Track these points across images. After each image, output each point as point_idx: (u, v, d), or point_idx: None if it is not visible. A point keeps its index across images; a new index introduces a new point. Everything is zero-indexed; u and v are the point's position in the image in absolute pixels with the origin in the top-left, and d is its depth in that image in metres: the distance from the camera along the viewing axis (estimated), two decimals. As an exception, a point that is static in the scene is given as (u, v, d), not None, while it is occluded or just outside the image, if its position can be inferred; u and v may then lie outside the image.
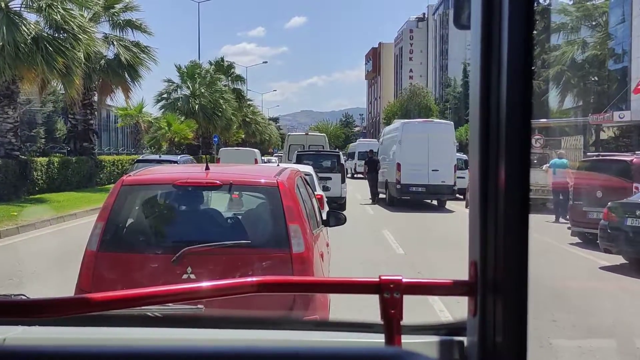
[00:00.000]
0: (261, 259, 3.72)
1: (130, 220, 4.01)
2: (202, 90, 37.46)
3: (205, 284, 1.16)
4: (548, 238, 11.50)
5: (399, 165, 17.70)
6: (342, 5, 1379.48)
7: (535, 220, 15.01)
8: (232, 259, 3.71)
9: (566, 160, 15.38)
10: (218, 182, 3.99)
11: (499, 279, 1.02)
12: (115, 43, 20.15)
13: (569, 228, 11.22)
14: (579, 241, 11.01)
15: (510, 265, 1.01)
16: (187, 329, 1.53)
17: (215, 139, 36.81)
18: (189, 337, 1.45)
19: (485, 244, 1.04)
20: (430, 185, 17.45)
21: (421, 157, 17.31)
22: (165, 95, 38.26)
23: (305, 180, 5.45)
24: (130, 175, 4.25)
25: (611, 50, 38.73)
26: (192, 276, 3.54)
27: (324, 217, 5.51)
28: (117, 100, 22.04)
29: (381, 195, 20.60)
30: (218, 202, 4.95)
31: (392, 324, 1.14)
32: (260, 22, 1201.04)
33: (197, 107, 36.71)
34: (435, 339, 1.41)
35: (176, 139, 33.09)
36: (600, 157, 11.10)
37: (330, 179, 16.12)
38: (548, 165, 18.13)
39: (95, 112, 21.78)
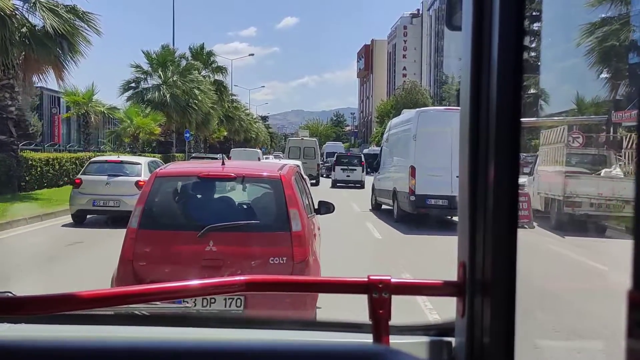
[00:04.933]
0: (267, 235, 4.42)
1: (162, 204, 4.72)
2: (175, 79, 32.66)
3: (193, 282, 1.17)
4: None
5: (413, 169, 13.08)
6: (335, 6, 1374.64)
7: (608, 252, 10.55)
8: (244, 235, 4.42)
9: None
10: (233, 174, 4.79)
11: (488, 280, 1.02)
12: (37, 5, 15.32)
13: None
14: None
15: (499, 267, 1.01)
16: (175, 327, 1.57)
17: (187, 135, 31.95)
18: (176, 336, 1.44)
19: (474, 245, 1.06)
20: (454, 197, 12.76)
21: (443, 158, 12.59)
22: (133, 85, 33.55)
23: (301, 175, 6.42)
24: (162, 169, 5.07)
25: (634, 42, 34.79)
26: (214, 248, 4.26)
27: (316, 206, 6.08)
28: (50, 81, 17.23)
29: (385, 207, 16.15)
30: (232, 190, 5.31)
31: (380, 324, 1.15)
32: (252, 22, 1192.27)
33: (168, 97, 31.92)
34: (423, 339, 1.40)
35: (141, 134, 28.34)
36: None
37: (355, 170, 28.77)
38: (611, 169, 13.71)
39: (19, 97, 16.94)
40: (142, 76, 33.54)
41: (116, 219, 11.42)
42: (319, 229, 5.83)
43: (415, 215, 13.27)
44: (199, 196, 5.01)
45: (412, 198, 12.99)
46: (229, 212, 4.77)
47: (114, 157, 14.10)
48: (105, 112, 24.14)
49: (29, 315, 1.27)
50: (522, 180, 16.84)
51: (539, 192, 14.67)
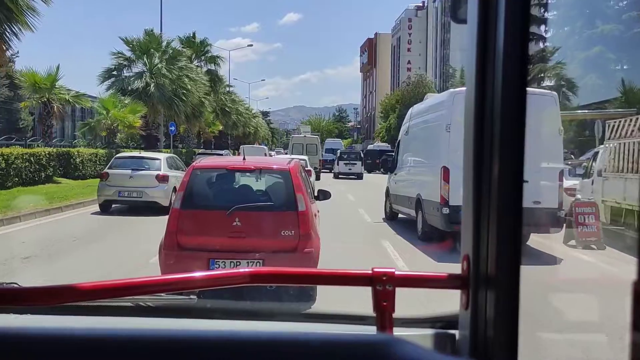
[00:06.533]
0: (279, 214, 5.81)
1: (198, 190, 6.09)
2: (160, 67, 29.31)
3: (198, 274, 1.20)
4: None
5: (446, 171, 9.74)
6: (337, 1, 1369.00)
7: None
8: (262, 214, 5.85)
9: None
10: (253, 167, 6.35)
11: (491, 273, 1.02)
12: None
13: None
14: None
15: (503, 260, 1.01)
16: (180, 319, 1.62)
17: (172, 129, 28.60)
18: (181, 327, 1.46)
19: (478, 237, 1.05)
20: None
21: None
22: (115, 73, 30.24)
23: (304, 168, 7.96)
24: (197, 163, 6.54)
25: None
26: (239, 223, 5.59)
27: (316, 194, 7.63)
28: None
29: (401, 216, 12.88)
30: (251, 179, 6.63)
31: (384, 316, 1.17)
32: (255, 18, 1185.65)
33: (152, 86, 28.59)
34: (427, 331, 1.41)
35: (120, 128, 25.02)
36: None
37: (355, 164, 33.55)
38: None
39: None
40: (125, 63, 30.28)
41: (139, 208, 13.45)
42: (318, 211, 6.94)
43: (446, 232, 9.95)
44: (226, 184, 6.54)
45: (445, 210, 9.61)
46: (249, 196, 6.18)
47: (136, 153, 15.85)
48: (71, 100, 20.79)
49: (34, 305, 1.28)
50: (572, 182, 13.43)
51: (604, 200, 11.38)
